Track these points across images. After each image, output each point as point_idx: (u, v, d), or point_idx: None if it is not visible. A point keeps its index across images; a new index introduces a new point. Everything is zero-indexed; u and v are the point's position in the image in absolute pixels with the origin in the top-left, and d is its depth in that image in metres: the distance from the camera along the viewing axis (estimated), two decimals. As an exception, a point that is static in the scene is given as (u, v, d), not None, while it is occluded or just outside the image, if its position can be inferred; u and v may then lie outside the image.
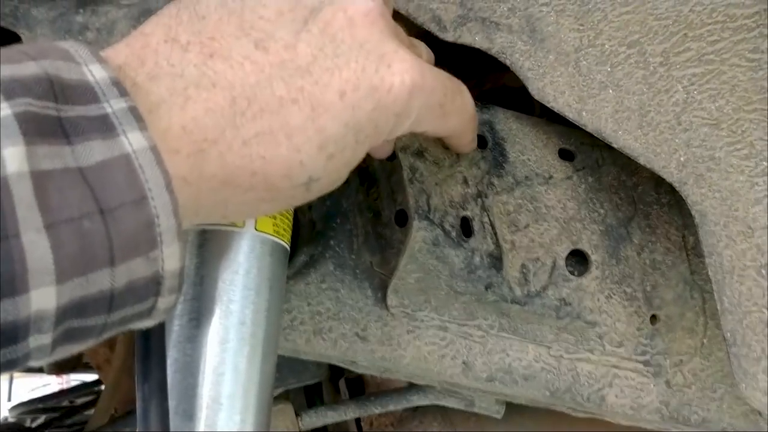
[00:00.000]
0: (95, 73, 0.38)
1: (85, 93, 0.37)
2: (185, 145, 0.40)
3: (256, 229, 0.57)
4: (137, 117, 0.37)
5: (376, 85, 0.46)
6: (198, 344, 0.54)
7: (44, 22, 0.59)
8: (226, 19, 0.44)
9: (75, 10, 0.59)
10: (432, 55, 0.62)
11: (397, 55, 0.47)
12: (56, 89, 0.35)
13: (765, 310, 0.61)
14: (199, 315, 0.55)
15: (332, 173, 0.46)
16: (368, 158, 0.74)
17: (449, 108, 0.54)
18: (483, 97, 0.88)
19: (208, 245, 0.56)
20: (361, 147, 0.47)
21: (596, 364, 0.73)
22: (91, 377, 2.35)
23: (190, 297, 0.55)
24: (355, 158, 0.48)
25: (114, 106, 0.37)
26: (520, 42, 0.65)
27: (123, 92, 0.38)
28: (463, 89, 0.57)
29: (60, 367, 2.17)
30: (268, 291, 0.57)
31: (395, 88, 0.46)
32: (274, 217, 0.59)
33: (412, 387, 0.91)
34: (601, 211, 0.73)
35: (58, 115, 0.35)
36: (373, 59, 0.46)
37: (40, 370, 2.22)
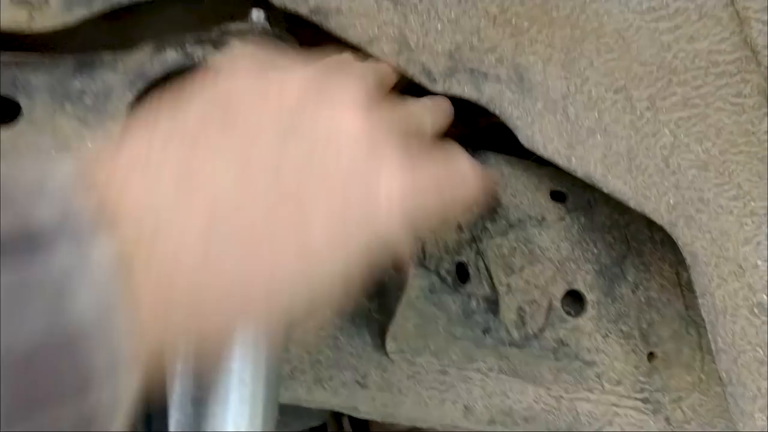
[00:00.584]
0: None
1: None
2: None
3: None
4: None
5: (361, 202, 0.44)
6: (199, 405, 0.54)
7: (43, 88, 0.60)
8: (203, 136, 0.43)
9: (72, 76, 0.60)
10: (439, 111, 0.60)
11: (387, 171, 0.45)
12: None
13: (759, 349, 0.62)
14: (199, 374, 0.55)
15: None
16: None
17: (450, 199, 0.51)
18: (477, 136, 0.90)
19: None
20: (346, 252, 0.44)
21: (596, 403, 0.73)
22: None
23: (190, 356, 0.56)
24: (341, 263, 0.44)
25: None
26: (508, 91, 0.66)
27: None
28: (460, 168, 0.53)
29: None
30: (267, 347, 0.58)
31: (382, 206, 0.44)
32: (272, 273, 0.59)
33: (414, 428, 0.91)
34: (595, 250, 0.74)
35: None
36: (359, 179, 0.44)
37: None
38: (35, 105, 0.60)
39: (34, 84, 0.60)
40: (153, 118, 0.43)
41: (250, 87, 0.46)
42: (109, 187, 0.38)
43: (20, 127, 0.60)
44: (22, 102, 0.59)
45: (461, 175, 0.52)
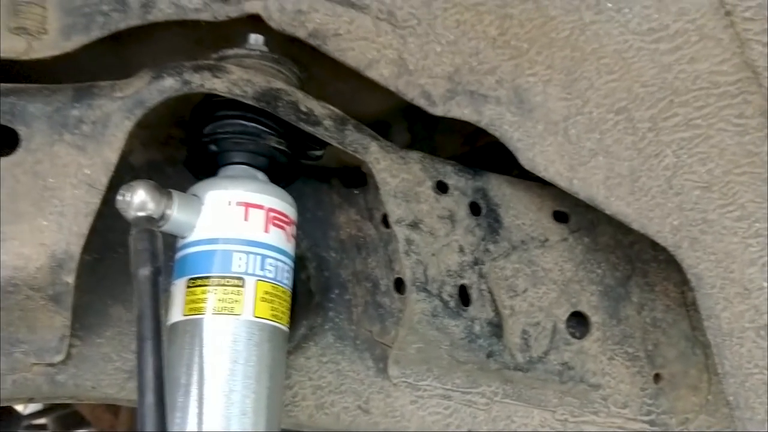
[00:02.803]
0: None
1: None
2: None
3: (254, 316, 0.57)
4: None
5: None
6: (200, 436, 0.54)
7: (41, 117, 0.59)
8: None
9: (71, 104, 0.60)
10: None
11: None
12: None
13: (766, 372, 0.61)
14: (200, 405, 0.55)
15: None
16: (364, 228, 0.75)
17: None
18: (476, 155, 0.89)
19: (207, 334, 0.57)
20: None
21: (601, 426, 0.72)
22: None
23: (192, 386, 0.55)
24: None
25: None
26: (508, 113, 0.65)
27: None
28: None
29: (63, 425, 2.15)
30: (269, 378, 0.57)
31: None
32: (272, 301, 0.59)
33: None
34: (599, 271, 0.73)
35: None
36: None
37: (44, 427, 2.20)
38: (34, 134, 0.59)
39: (33, 113, 0.59)
40: None
41: None
42: None
43: (19, 156, 0.59)
44: (21, 131, 0.59)
45: None
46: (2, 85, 0.60)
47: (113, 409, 1.29)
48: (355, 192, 0.76)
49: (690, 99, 0.63)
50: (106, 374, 0.66)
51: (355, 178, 0.76)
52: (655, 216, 0.64)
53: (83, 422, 1.98)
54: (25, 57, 0.62)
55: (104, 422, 1.34)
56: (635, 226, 0.64)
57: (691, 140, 0.63)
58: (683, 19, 0.61)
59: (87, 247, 0.60)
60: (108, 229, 0.65)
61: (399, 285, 0.72)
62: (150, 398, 0.49)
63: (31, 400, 0.65)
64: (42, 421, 2.06)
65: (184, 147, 0.70)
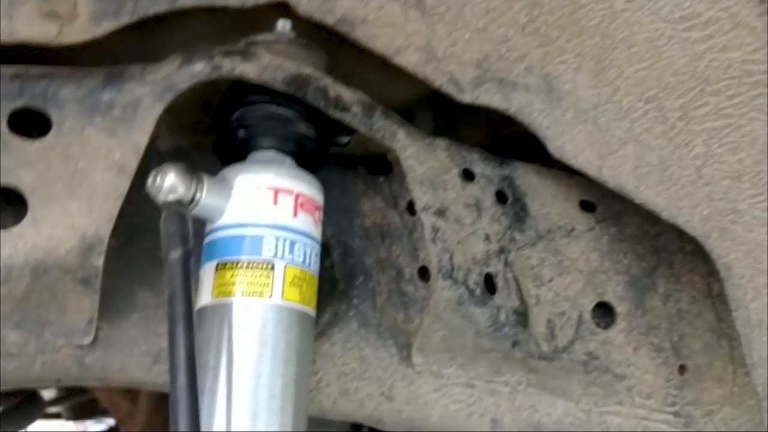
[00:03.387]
0: None
1: None
2: None
3: (283, 299, 0.57)
4: None
5: None
6: (230, 418, 0.54)
7: (72, 101, 0.60)
8: None
9: (101, 88, 0.60)
10: None
11: None
12: None
13: (797, 364, 0.61)
14: (229, 388, 0.55)
15: None
16: (388, 216, 0.75)
17: None
18: (499, 145, 0.89)
19: (236, 316, 0.57)
20: None
21: (626, 416, 0.72)
22: (109, 424, 2.34)
23: (221, 369, 0.56)
24: None
25: None
26: (537, 101, 0.65)
27: None
28: None
29: (78, 414, 2.17)
30: (296, 362, 0.57)
31: None
32: (301, 285, 0.59)
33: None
34: (625, 261, 0.73)
35: None
36: None
37: (58, 416, 2.21)
38: (65, 117, 0.60)
39: (64, 96, 0.60)
40: None
41: None
42: None
43: (50, 139, 0.60)
44: (53, 115, 0.60)
45: None
46: (34, 68, 0.61)
47: (131, 396, 1.29)
48: (380, 180, 0.76)
49: (721, 88, 0.62)
50: (132, 358, 0.66)
51: (381, 165, 0.76)
52: (685, 205, 0.64)
53: (98, 410, 1.99)
54: (56, 42, 0.62)
55: (122, 410, 1.35)
56: (664, 215, 0.64)
57: (722, 129, 0.63)
58: (716, 7, 0.61)
59: (115, 232, 0.61)
60: (135, 214, 0.65)
61: (423, 273, 0.72)
62: (182, 380, 0.50)
63: (59, 381, 0.66)
64: (57, 409, 2.07)
65: (210, 133, 0.70)
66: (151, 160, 0.65)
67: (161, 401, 1.24)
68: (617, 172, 0.64)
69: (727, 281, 0.63)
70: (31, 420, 1.25)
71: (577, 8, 0.64)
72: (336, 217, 0.74)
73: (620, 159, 0.64)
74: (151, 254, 0.69)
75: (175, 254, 0.54)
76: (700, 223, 0.63)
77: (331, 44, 0.70)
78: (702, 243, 0.63)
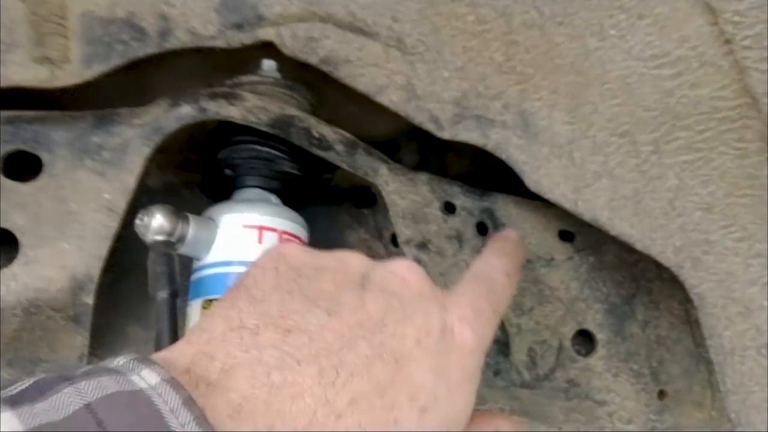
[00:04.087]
0: (148, 379, 0.34)
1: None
2: None
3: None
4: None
5: (443, 328, 0.46)
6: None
7: (63, 144, 0.62)
8: (288, 297, 0.43)
9: (91, 131, 0.62)
10: None
11: (449, 300, 0.49)
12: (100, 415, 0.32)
13: (767, 390, 0.63)
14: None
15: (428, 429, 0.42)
16: (374, 247, 0.77)
17: (505, 295, 0.56)
18: (485, 172, 0.91)
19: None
20: (454, 395, 0.45)
21: (607, 441, 0.74)
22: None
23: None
24: (452, 411, 0.45)
25: (181, 417, 0.32)
26: (514, 137, 0.67)
27: (188, 401, 0.33)
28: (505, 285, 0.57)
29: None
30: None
31: (456, 329, 0.47)
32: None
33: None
34: (604, 289, 0.74)
35: None
36: (433, 305, 0.47)
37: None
38: (56, 160, 0.62)
39: (55, 139, 0.62)
40: (229, 308, 0.42)
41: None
42: (215, 386, 0.36)
43: (42, 181, 0.62)
44: (44, 157, 0.62)
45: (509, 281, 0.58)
46: (26, 113, 0.63)
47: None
48: (365, 212, 0.78)
49: (692, 123, 0.64)
50: (124, 391, 0.68)
51: (365, 197, 0.78)
52: (658, 237, 0.65)
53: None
54: (48, 85, 0.64)
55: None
56: (639, 246, 0.66)
57: (693, 163, 0.65)
58: (684, 46, 0.63)
59: (105, 268, 0.63)
60: (125, 250, 0.67)
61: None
62: None
63: (51, 416, 0.67)
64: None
65: (199, 170, 0.72)
66: (141, 196, 0.67)
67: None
68: (592, 205, 0.66)
69: (701, 310, 0.65)
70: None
71: (552, 47, 0.66)
72: (323, 250, 0.75)
73: (595, 192, 0.66)
74: (141, 290, 0.70)
75: (163, 294, 0.56)
76: (674, 254, 0.65)
77: (318, 79, 0.72)
78: (676, 273, 0.65)
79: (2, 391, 0.34)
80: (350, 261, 0.49)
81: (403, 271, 0.49)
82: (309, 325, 0.41)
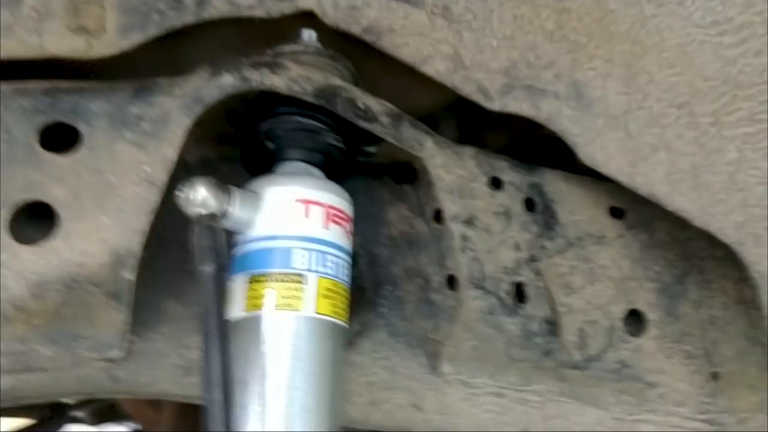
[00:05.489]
0: None
1: None
2: None
3: (316, 312, 0.57)
4: None
5: None
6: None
7: (102, 115, 0.60)
8: None
9: (130, 102, 0.60)
10: None
11: None
12: None
13: (836, 372, 0.60)
14: (263, 402, 0.55)
15: None
16: (415, 224, 0.74)
17: None
18: (524, 151, 0.88)
19: (268, 330, 0.57)
20: None
21: (658, 424, 0.71)
22: (126, 428, 2.35)
23: (254, 383, 0.55)
24: None
25: None
26: (567, 108, 0.65)
27: None
28: None
29: (98, 418, 2.18)
30: (330, 376, 0.57)
31: None
32: (333, 298, 0.59)
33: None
34: (656, 268, 0.72)
35: None
36: None
37: (77, 420, 2.23)
38: (94, 131, 0.60)
39: (93, 111, 0.60)
40: None
41: None
42: None
43: (80, 153, 0.60)
44: (82, 129, 0.60)
45: None
46: (64, 83, 0.61)
47: (155, 404, 1.30)
48: (406, 188, 0.76)
49: (755, 93, 0.61)
50: (162, 370, 0.67)
51: (406, 173, 0.76)
52: (718, 212, 0.63)
53: (119, 415, 2.00)
54: (85, 56, 0.62)
55: (146, 417, 1.36)
56: (697, 222, 0.63)
57: (755, 135, 0.62)
58: (749, 11, 0.60)
59: (144, 244, 0.61)
60: (163, 226, 0.65)
61: (451, 282, 0.71)
62: (218, 395, 0.50)
63: (90, 395, 0.66)
64: (78, 413, 2.09)
65: (237, 144, 0.70)
66: (179, 172, 0.65)
67: (186, 408, 1.24)
68: (649, 179, 0.63)
69: (761, 288, 0.62)
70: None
71: (606, 14, 0.63)
72: (362, 226, 0.73)
73: (652, 166, 0.63)
74: (179, 266, 0.69)
75: (208, 268, 0.54)
76: (734, 230, 0.62)
77: (356, 52, 0.69)
78: (736, 250, 0.62)
79: None
80: None
81: None
82: None
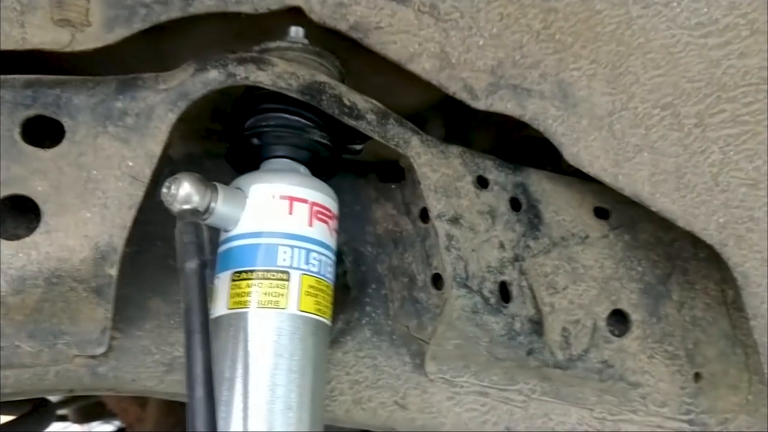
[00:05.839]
0: None
1: None
2: None
3: (299, 310, 0.57)
4: None
5: None
6: (246, 430, 0.54)
7: (85, 109, 0.59)
8: None
9: (114, 96, 0.60)
10: None
11: None
12: None
13: (815, 373, 0.60)
14: (245, 399, 0.55)
15: None
16: (401, 223, 0.74)
17: None
18: (509, 150, 0.88)
19: (251, 327, 0.56)
20: None
21: (640, 424, 0.72)
22: (113, 427, 2.33)
23: (237, 380, 0.55)
24: None
25: None
26: (552, 108, 0.65)
27: None
28: None
29: (84, 416, 2.16)
30: (312, 373, 0.57)
31: None
32: (316, 295, 0.59)
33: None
34: (639, 268, 0.72)
35: None
36: None
37: (63, 418, 2.21)
38: (78, 126, 0.59)
39: (77, 104, 0.59)
40: None
41: None
42: None
43: (63, 147, 0.59)
44: (65, 123, 0.59)
45: None
46: (47, 77, 0.60)
47: (140, 401, 1.29)
48: (392, 186, 0.76)
49: (738, 95, 0.62)
50: (145, 367, 0.66)
51: (392, 172, 0.76)
52: (701, 213, 0.63)
53: (104, 413, 1.99)
54: (68, 49, 0.62)
55: (131, 414, 1.35)
56: (681, 223, 0.63)
57: (739, 137, 0.62)
58: (733, 13, 0.61)
59: (127, 240, 0.60)
60: (147, 221, 0.65)
61: (436, 280, 0.71)
62: (200, 392, 0.49)
63: (71, 391, 0.65)
64: (63, 411, 2.07)
65: (222, 141, 0.70)
66: (164, 167, 0.65)
67: (170, 405, 1.23)
68: (633, 179, 0.64)
69: (744, 289, 0.62)
70: (43, 427, 1.25)
71: (593, 14, 0.64)
72: (348, 224, 0.73)
73: (636, 166, 0.64)
74: (163, 262, 0.68)
75: (191, 265, 0.53)
76: (717, 231, 0.63)
77: (343, 50, 0.69)
78: (719, 251, 0.63)
79: None
80: None
81: None
82: None
